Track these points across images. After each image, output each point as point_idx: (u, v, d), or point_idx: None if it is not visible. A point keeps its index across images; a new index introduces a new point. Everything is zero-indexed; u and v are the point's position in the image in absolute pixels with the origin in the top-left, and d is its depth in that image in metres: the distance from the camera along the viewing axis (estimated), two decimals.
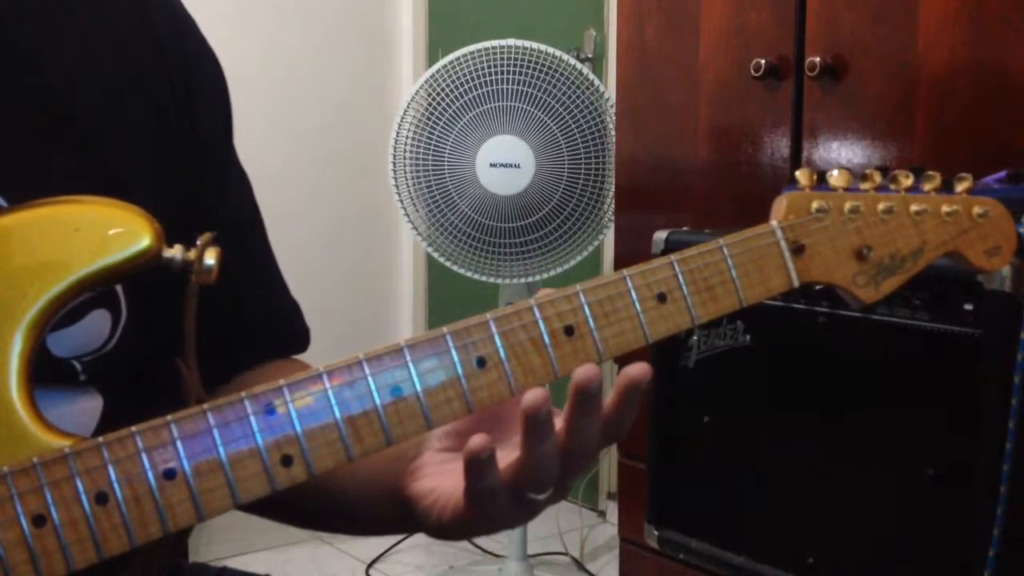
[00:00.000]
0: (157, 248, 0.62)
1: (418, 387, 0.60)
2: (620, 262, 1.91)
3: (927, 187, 0.72)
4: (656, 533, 1.53)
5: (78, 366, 0.69)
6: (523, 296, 2.39)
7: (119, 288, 0.70)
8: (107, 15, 0.75)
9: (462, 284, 2.52)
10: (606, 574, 2.62)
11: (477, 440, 0.58)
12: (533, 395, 0.59)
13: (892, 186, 0.71)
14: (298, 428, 0.58)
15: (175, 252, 0.62)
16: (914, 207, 0.71)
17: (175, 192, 0.73)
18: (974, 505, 1.14)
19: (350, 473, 0.71)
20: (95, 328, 0.69)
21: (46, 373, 0.62)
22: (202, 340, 0.66)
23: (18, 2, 0.71)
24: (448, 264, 2.41)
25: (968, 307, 1.16)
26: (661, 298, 0.65)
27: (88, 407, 0.69)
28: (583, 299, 0.63)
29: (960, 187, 0.73)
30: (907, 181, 0.71)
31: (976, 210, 0.72)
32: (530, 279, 2.38)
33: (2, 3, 0.70)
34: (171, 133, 0.77)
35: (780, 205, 0.69)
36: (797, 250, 0.68)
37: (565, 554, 2.70)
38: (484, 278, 2.39)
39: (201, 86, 0.81)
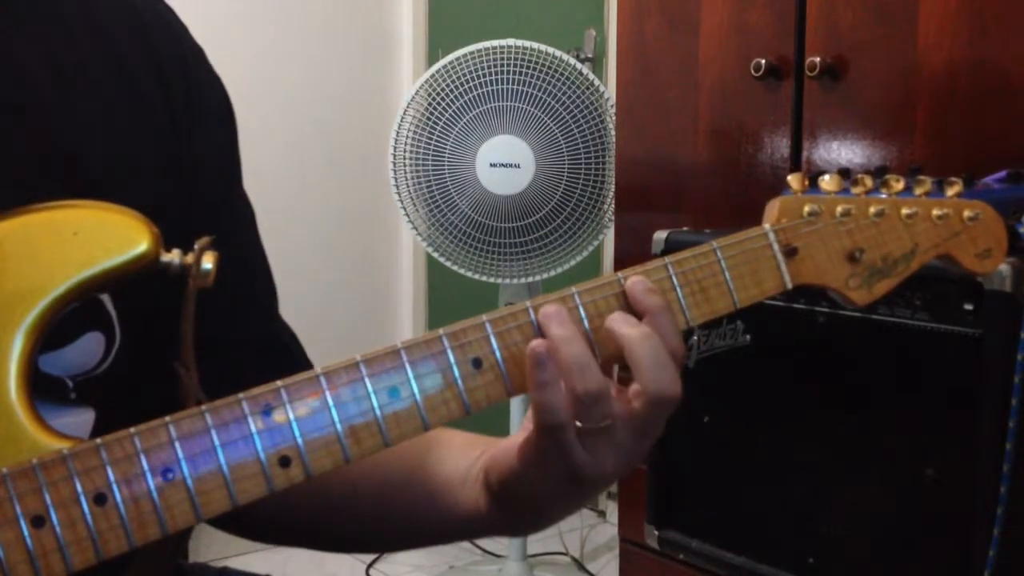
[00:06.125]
0: (155, 252, 0.62)
1: (415, 389, 0.61)
2: (620, 262, 1.91)
3: (918, 191, 0.73)
4: (656, 533, 1.53)
5: (69, 383, 0.69)
6: (523, 296, 2.39)
7: (111, 309, 0.70)
8: (108, 40, 0.75)
9: (462, 284, 2.52)
10: (606, 574, 2.62)
11: (536, 340, 0.61)
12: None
13: (883, 190, 0.72)
14: (295, 429, 0.58)
15: (173, 256, 0.62)
16: (905, 210, 0.72)
17: (169, 218, 0.72)
18: (974, 505, 1.14)
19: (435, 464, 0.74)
20: (88, 350, 0.69)
21: (36, 388, 0.62)
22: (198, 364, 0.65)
23: (16, 24, 0.71)
24: (448, 264, 2.41)
25: (968, 307, 1.16)
26: None
27: (80, 420, 0.69)
28: (578, 300, 0.63)
29: (950, 191, 0.74)
30: (898, 185, 0.72)
31: (967, 213, 0.73)
32: (530, 279, 2.38)
33: (3, 24, 0.70)
34: (170, 160, 0.76)
35: (772, 209, 0.70)
36: (790, 252, 0.69)
37: (565, 554, 2.70)
38: (484, 278, 2.39)
39: (204, 115, 0.80)
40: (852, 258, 0.71)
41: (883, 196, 0.72)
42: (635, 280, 0.64)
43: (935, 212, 0.72)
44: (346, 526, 0.82)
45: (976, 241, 0.74)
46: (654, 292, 0.64)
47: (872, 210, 0.71)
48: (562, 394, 0.61)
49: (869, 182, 0.71)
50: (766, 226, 0.70)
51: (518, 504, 0.69)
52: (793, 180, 0.71)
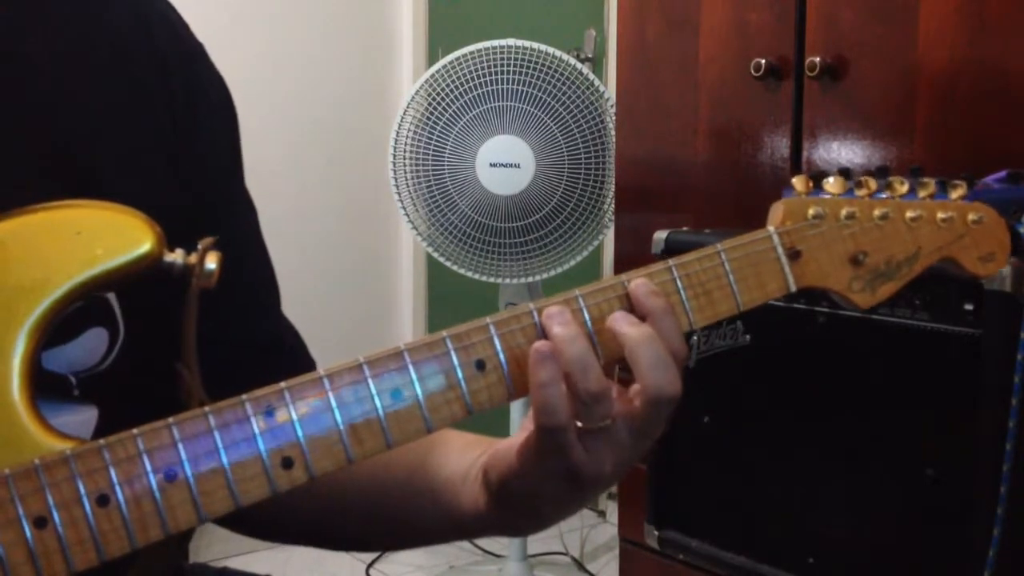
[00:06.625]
0: (159, 252, 0.62)
1: (418, 390, 0.61)
2: (620, 262, 1.91)
3: (922, 194, 0.73)
4: (656, 533, 1.53)
5: (73, 380, 0.69)
6: (523, 296, 2.39)
7: (116, 305, 0.70)
8: (111, 39, 0.75)
9: (462, 284, 2.52)
10: (606, 574, 2.62)
11: (540, 341, 0.61)
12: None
13: (887, 193, 0.72)
14: (298, 430, 0.58)
15: (176, 256, 0.62)
16: (909, 213, 0.72)
17: (170, 217, 0.72)
18: (974, 505, 1.14)
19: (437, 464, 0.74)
20: (92, 346, 0.69)
21: (39, 385, 0.62)
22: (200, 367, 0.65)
23: (20, 22, 0.71)
24: (448, 264, 2.41)
25: (968, 307, 1.16)
26: None
27: (82, 419, 0.69)
28: (582, 303, 0.63)
29: (954, 194, 0.74)
30: (902, 188, 0.72)
31: (971, 216, 0.73)
32: (530, 279, 2.38)
33: (11, 23, 0.70)
34: (172, 158, 0.76)
35: (777, 211, 0.70)
36: (793, 255, 0.69)
37: (565, 554, 2.70)
38: (484, 278, 2.39)
39: (206, 113, 0.80)
40: (855, 261, 0.71)
41: (887, 198, 0.72)
42: (638, 282, 0.64)
43: (939, 215, 0.72)
44: (347, 526, 0.82)
45: (979, 244, 0.73)
46: (657, 294, 0.64)
47: (876, 213, 0.71)
48: (563, 394, 0.61)
49: (873, 184, 0.71)
50: (770, 228, 0.70)
51: (517, 504, 0.69)
52: (798, 182, 0.71)
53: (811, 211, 0.70)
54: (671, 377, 0.62)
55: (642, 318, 0.64)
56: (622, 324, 0.63)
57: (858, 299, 0.71)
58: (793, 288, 0.69)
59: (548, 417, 0.61)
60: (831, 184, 0.71)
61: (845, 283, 0.71)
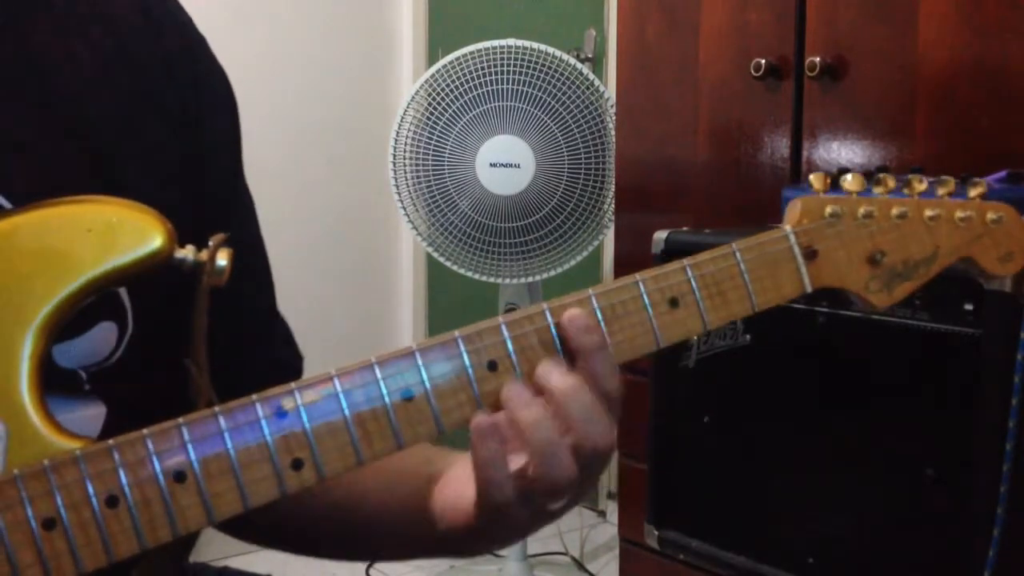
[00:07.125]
0: (169, 249, 0.62)
1: (429, 390, 0.60)
2: (620, 262, 1.91)
3: (941, 191, 0.71)
4: (656, 533, 1.54)
5: (83, 375, 0.69)
6: (523, 296, 2.40)
7: (126, 299, 0.70)
8: (120, 34, 0.75)
9: (462, 284, 2.52)
10: (606, 574, 2.62)
11: (480, 415, 0.60)
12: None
13: (905, 191, 0.70)
14: (309, 432, 0.58)
15: (187, 253, 0.62)
16: (928, 212, 0.70)
17: (179, 213, 0.73)
18: (974, 505, 1.14)
19: (386, 491, 0.74)
20: (101, 340, 0.69)
21: (50, 381, 0.62)
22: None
23: (34, 19, 0.71)
24: (448, 264, 2.41)
25: (968, 307, 1.16)
26: (673, 303, 0.65)
27: (91, 414, 0.69)
28: (595, 303, 0.63)
29: (973, 192, 0.72)
30: (920, 186, 0.70)
31: (990, 216, 0.72)
32: (530, 279, 2.38)
33: (19, 19, 0.70)
34: (180, 151, 0.76)
35: (794, 209, 0.69)
36: (810, 255, 0.68)
37: (565, 554, 2.70)
38: (484, 278, 2.39)
39: (210, 106, 0.80)
40: (873, 261, 0.69)
41: (905, 197, 0.70)
42: (571, 315, 0.62)
43: (958, 214, 0.71)
44: (338, 535, 0.82)
45: (999, 244, 0.72)
46: (590, 330, 0.62)
47: (894, 212, 0.70)
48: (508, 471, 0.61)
49: (891, 182, 0.70)
50: (787, 228, 0.68)
51: (493, 533, 0.69)
52: (815, 180, 0.69)
53: (828, 209, 0.69)
54: (602, 430, 0.61)
55: (575, 352, 0.62)
56: (549, 377, 0.61)
57: (875, 299, 0.70)
58: (809, 289, 0.68)
59: (494, 490, 0.61)
60: (849, 182, 0.69)
61: (862, 284, 0.69)
